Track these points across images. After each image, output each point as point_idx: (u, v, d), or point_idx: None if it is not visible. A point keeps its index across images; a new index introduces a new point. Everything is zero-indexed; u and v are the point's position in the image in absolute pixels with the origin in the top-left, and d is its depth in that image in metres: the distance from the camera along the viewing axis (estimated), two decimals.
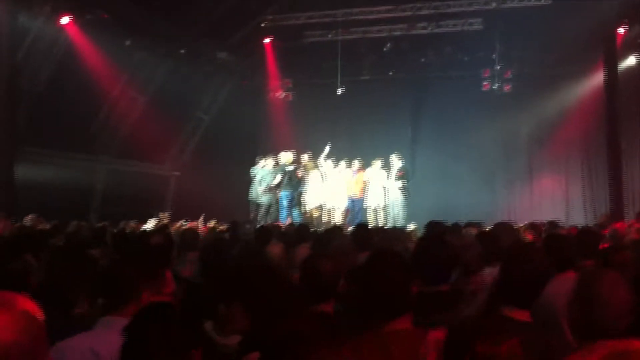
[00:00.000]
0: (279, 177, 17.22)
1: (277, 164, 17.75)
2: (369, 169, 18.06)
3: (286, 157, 17.76)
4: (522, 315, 3.10)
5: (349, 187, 17.98)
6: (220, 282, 3.43)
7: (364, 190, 18.10)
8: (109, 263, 5.19)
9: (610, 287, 2.57)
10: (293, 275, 3.95)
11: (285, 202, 17.35)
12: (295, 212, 17.35)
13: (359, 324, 2.87)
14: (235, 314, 3.04)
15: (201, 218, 13.56)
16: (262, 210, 17.48)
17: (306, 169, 18.28)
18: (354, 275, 2.99)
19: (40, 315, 1.67)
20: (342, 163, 18.35)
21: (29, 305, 1.66)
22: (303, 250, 4.81)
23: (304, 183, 18.28)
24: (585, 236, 6.14)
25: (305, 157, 18.50)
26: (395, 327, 2.67)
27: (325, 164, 18.36)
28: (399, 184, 17.64)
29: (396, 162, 17.75)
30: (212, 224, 14.66)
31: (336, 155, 18.82)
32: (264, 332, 2.22)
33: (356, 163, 18.20)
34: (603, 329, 2.52)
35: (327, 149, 18.50)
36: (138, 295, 2.99)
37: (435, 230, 7.12)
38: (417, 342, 2.60)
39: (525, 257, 3.30)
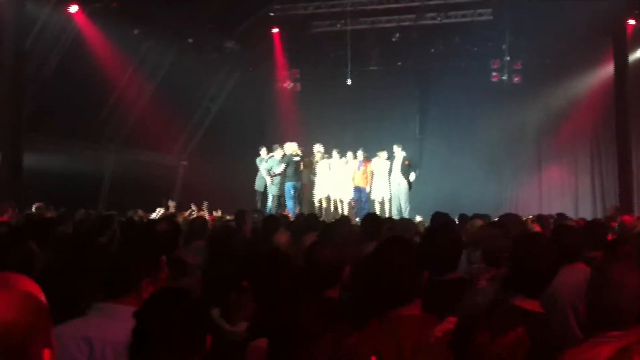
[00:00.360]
0: (282, 166, 17.16)
1: (285, 154, 17.69)
2: (374, 160, 17.97)
3: (291, 147, 17.70)
4: (532, 305, 3.08)
5: (355, 178, 17.91)
6: (228, 269, 3.42)
7: (370, 181, 18.02)
8: (113, 250, 5.21)
9: (623, 273, 2.57)
10: (299, 264, 3.94)
11: (292, 193, 17.32)
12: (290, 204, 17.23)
13: (367, 310, 2.85)
14: (243, 300, 3.03)
15: (204, 205, 13.56)
16: (274, 202, 17.45)
17: (316, 160, 18.23)
18: (364, 262, 2.98)
19: (42, 296, 1.65)
20: (349, 154, 18.27)
21: (31, 286, 1.64)
22: (310, 239, 4.79)
23: (313, 174, 18.26)
24: (593, 228, 6.13)
25: (316, 147, 18.44)
26: (404, 312, 2.66)
27: (329, 155, 18.34)
28: (412, 175, 17.54)
29: (398, 153, 17.63)
30: (218, 213, 14.69)
31: (343, 146, 18.77)
32: (270, 317, 2.20)
33: (361, 154, 18.08)
34: (617, 314, 2.52)
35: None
36: (138, 283, 2.96)
37: (440, 222, 7.10)
38: (426, 328, 2.58)
39: (535, 247, 3.28)
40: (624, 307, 2.54)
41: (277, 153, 17.79)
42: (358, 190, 17.91)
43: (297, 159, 17.46)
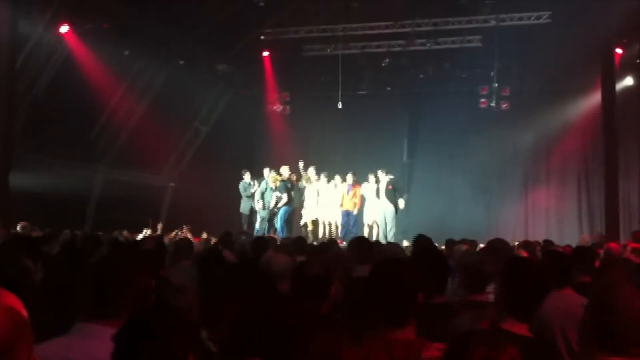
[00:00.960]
0: (285, 197, 17.19)
1: (281, 181, 17.65)
2: (364, 184, 17.92)
3: (285, 171, 17.75)
4: (520, 329, 3.08)
5: (344, 203, 17.85)
6: (218, 290, 3.40)
7: (359, 205, 17.95)
8: (97, 269, 5.17)
9: (626, 298, 2.56)
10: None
11: (286, 217, 17.31)
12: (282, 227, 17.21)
13: (361, 331, 2.85)
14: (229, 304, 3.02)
15: (184, 229, 13.50)
16: (262, 224, 17.44)
17: (308, 182, 18.18)
18: (359, 283, 2.98)
19: (24, 311, 1.65)
20: (337, 177, 18.24)
21: (13, 300, 1.64)
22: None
23: (302, 197, 18.23)
24: (581, 254, 6.16)
25: (311, 170, 18.40)
26: (400, 336, 2.66)
27: (319, 178, 18.29)
28: (401, 202, 17.51)
29: (383, 177, 17.56)
30: (204, 235, 14.60)
31: (332, 169, 18.78)
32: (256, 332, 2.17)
33: (350, 177, 17.98)
34: (621, 338, 2.51)
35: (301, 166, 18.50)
36: (123, 305, 2.93)
37: (423, 245, 7.09)
38: (419, 352, 2.58)
39: (524, 270, 3.29)
40: (628, 331, 2.53)
41: (270, 179, 17.70)
42: (347, 214, 17.87)
43: (288, 184, 17.49)
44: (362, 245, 6.15)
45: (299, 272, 3.57)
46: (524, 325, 3.12)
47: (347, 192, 17.74)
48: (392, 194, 17.35)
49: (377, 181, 17.54)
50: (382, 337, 2.66)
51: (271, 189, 17.48)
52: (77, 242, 7.83)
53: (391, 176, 17.60)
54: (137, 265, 3.22)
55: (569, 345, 4.27)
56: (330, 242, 9.43)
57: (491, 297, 4.48)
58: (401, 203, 17.45)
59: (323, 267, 3.62)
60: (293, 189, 17.59)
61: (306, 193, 18.11)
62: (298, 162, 18.90)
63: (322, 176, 18.18)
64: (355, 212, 17.81)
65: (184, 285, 3.96)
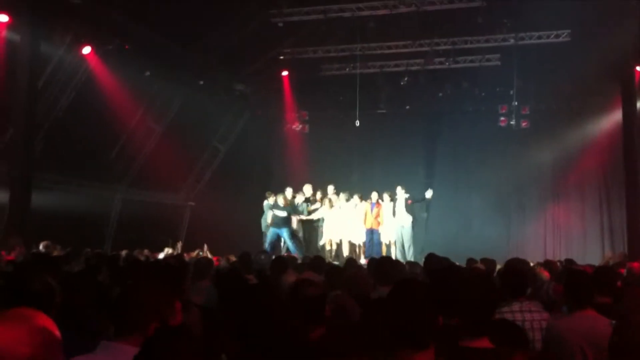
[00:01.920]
0: (269, 218, 17.26)
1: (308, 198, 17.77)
2: (384, 203, 17.82)
3: (308, 190, 17.88)
4: (481, 343, 2.99)
5: (367, 221, 17.70)
6: (236, 310, 3.39)
7: (382, 223, 17.81)
8: (121, 289, 5.17)
9: None
10: None
11: (270, 237, 17.34)
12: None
13: (380, 355, 2.80)
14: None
15: (205, 248, 13.51)
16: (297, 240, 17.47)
17: (331, 202, 18.04)
18: (377, 305, 2.94)
19: (57, 331, 1.70)
20: (355, 197, 18.13)
21: (46, 321, 1.71)
22: (291, 278, 4.76)
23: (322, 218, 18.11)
24: (603, 274, 6.06)
25: (330, 189, 18.34)
26: (419, 359, 2.61)
27: (338, 198, 18.19)
28: (429, 192, 17.52)
29: (401, 194, 17.51)
30: (232, 258, 14.50)
31: (350, 189, 18.73)
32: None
33: (375, 196, 17.87)
34: None
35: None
36: (146, 323, 2.94)
37: (434, 264, 7.03)
38: None
39: (471, 286, 3.16)
40: None
41: (298, 197, 17.83)
42: (370, 232, 17.71)
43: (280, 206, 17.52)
44: (382, 266, 6.09)
45: (294, 292, 3.54)
46: (483, 339, 3.01)
47: (371, 211, 17.61)
48: (411, 208, 17.32)
49: (392, 199, 17.45)
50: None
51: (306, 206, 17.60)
52: (97, 261, 7.86)
53: (407, 194, 17.52)
54: (158, 285, 3.23)
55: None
56: (350, 262, 9.37)
57: (517, 317, 4.44)
58: (428, 193, 17.43)
59: (319, 288, 3.57)
60: (296, 212, 17.55)
61: (326, 212, 17.96)
62: (315, 181, 18.90)
63: (342, 195, 18.11)
64: (379, 229, 17.68)
65: (190, 303, 3.95)
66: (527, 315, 4.67)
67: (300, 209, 17.80)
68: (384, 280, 5.48)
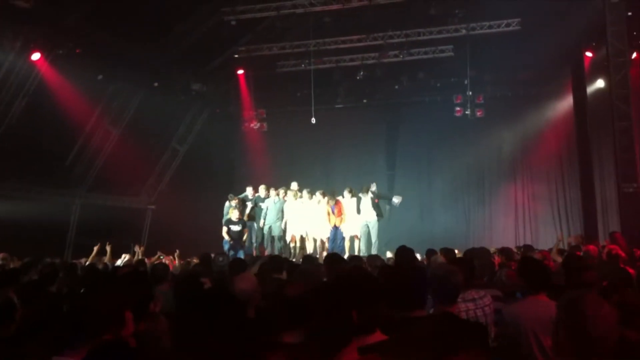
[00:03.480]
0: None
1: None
2: (343, 199, 17.68)
3: (262, 190, 17.75)
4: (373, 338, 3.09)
5: (330, 219, 17.56)
6: (191, 314, 3.38)
7: (343, 220, 17.68)
8: (72, 301, 5.13)
9: (595, 307, 2.64)
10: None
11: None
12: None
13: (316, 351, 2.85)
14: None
15: (176, 253, 13.38)
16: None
17: (294, 197, 17.92)
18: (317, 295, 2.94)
19: None
20: (318, 194, 18.02)
21: None
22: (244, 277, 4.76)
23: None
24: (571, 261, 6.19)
25: (293, 185, 18.22)
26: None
27: (301, 195, 18.09)
28: (387, 207, 17.47)
29: (365, 193, 17.40)
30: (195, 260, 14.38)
31: (312, 184, 18.70)
32: None
33: (330, 197, 17.68)
34: (595, 345, 2.58)
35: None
36: (95, 336, 2.92)
37: (405, 257, 7.11)
38: None
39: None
40: (601, 338, 2.60)
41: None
42: (334, 228, 17.62)
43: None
44: (333, 262, 6.15)
45: (278, 293, 3.52)
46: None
47: (332, 212, 17.36)
48: (378, 205, 17.32)
49: (354, 195, 17.35)
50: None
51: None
52: (52, 270, 7.74)
53: (374, 189, 17.47)
54: (108, 296, 3.22)
55: (542, 349, 4.34)
56: (306, 258, 9.40)
57: (462, 308, 4.52)
58: (396, 199, 17.47)
59: (302, 288, 3.54)
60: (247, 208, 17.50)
61: (288, 209, 17.87)
62: (276, 178, 18.85)
63: (305, 192, 18.00)
64: (341, 226, 17.57)
65: (156, 312, 3.94)
66: (469, 304, 4.77)
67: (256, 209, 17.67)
68: (329, 274, 5.54)
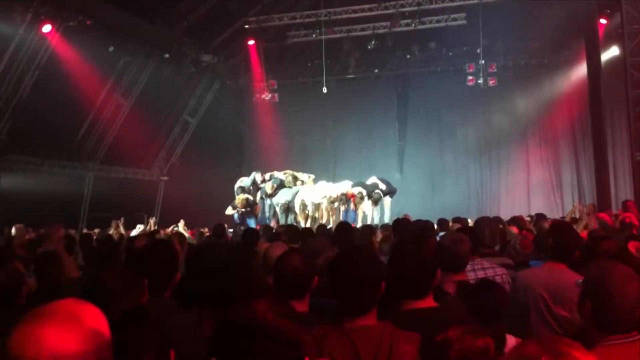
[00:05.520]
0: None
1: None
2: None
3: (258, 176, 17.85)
4: (425, 303, 3.07)
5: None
6: (199, 286, 3.39)
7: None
8: (90, 272, 5.19)
9: (622, 283, 2.62)
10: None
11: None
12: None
13: (330, 318, 2.87)
14: (204, 319, 3.01)
15: (181, 223, 13.44)
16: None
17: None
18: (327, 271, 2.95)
19: (107, 330, 1.61)
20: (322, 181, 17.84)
21: (96, 321, 1.58)
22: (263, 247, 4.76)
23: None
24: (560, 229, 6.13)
25: (304, 176, 18.05)
26: (361, 322, 2.66)
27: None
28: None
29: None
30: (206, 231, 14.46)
31: (323, 156, 18.63)
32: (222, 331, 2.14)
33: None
34: (617, 323, 2.58)
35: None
36: (117, 306, 2.95)
37: (402, 229, 7.07)
38: (383, 337, 2.59)
39: (411, 251, 3.19)
40: (627, 313, 2.60)
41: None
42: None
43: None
44: (341, 232, 6.16)
45: (279, 265, 3.50)
46: (427, 299, 3.09)
47: (348, 214, 17.02)
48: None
49: (370, 197, 17.03)
50: (342, 327, 2.65)
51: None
52: (71, 242, 7.82)
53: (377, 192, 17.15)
54: (125, 271, 3.24)
55: (555, 317, 4.32)
56: (319, 228, 9.43)
57: (471, 277, 4.52)
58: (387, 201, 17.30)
59: (304, 259, 3.51)
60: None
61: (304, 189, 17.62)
62: (287, 150, 18.82)
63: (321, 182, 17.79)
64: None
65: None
66: (479, 273, 4.75)
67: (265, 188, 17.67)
68: (335, 243, 5.56)
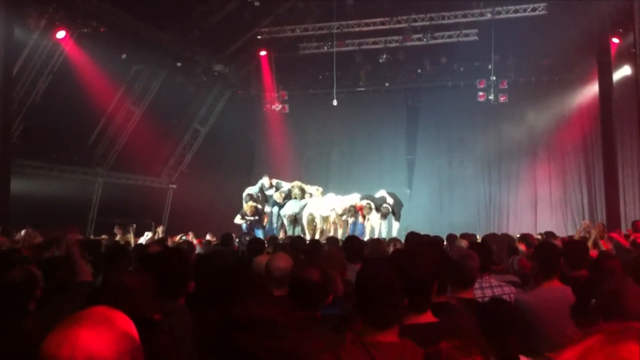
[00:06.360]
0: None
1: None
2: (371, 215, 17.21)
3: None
4: (424, 318, 3.06)
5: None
6: (207, 293, 3.40)
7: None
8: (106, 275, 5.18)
9: (635, 299, 2.61)
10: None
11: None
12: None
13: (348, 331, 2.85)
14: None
15: (190, 235, 13.42)
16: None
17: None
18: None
19: (137, 335, 1.65)
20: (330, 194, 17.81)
21: (126, 324, 1.63)
22: (262, 260, 4.74)
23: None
24: (571, 247, 6.11)
25: (312, 189, 17.99)
26: (382, 339, 2.63)
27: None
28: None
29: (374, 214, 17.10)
30: (213, 239, 14.44)
31: (330, 168, 18.59)
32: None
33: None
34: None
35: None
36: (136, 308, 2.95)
37: (414, 242, 7.07)
38: (404, 355, 2.57)
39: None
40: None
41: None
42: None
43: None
44: (350, 244, 6.15)
45: (297, 279, 3.49)
46: (426, 314, 3.09)
47: (357, 227, 16.95)
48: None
49: (378, 209, 16.95)
50: (363, 341, 2.62)
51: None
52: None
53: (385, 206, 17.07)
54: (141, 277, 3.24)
55: (563, 336, 4.28)
56: (329, 240, 9.41)
57: (478, 295, 4.48)
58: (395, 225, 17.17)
59: (321, 273, 3.51)
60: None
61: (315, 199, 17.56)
62: (297, 161, 18.77)
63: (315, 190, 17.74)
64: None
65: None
66: (487, 291, 4.71)
67: (271, 200, 17.62)
68: (353, 258, 5.54)
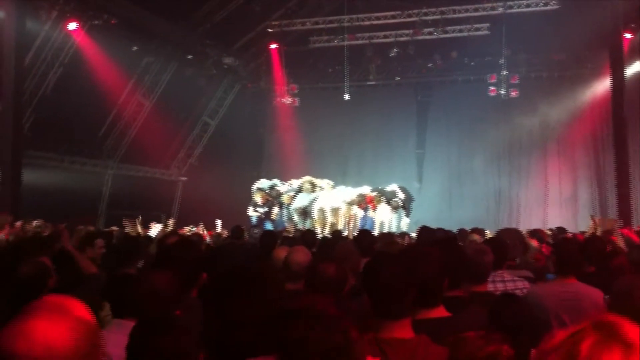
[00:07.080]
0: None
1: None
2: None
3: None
4: (436, 313, 3.06)
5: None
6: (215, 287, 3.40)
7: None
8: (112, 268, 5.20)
9: None
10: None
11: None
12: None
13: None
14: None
15: (201, 226, 13.43)
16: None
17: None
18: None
19: (94, 319, 1.65)
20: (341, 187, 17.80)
21: (83, 310, 1.63)
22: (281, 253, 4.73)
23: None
24: (589, 243, 6.10)
25: (323, 183, 17.98)
26: (396, 335, 2.63)
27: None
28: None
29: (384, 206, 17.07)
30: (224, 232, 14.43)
31: (342, 162, 18.59)
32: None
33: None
34: None
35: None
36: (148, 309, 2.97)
37: (427, 237, 7.05)
38: (418, 351, 2.56)
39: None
40: None
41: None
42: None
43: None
44: (362, 238, 6.16)
45: (314, 274, 3.49)
46: (439, 308, 3.07)
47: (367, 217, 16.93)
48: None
49: (388, 202, 16.89)
50: (377, 338, 2.62)
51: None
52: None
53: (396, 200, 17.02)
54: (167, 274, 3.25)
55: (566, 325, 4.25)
56: (335, 234, 9.42)
57: (490, 288, 4.47)
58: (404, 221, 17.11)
59: (339, 267, 3.52)
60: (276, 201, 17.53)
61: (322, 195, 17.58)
62: (306, 155, 18.77)
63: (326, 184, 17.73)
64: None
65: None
66: (498, 285, 4.69)
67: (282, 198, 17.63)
68: (364, 252, 5.54)
